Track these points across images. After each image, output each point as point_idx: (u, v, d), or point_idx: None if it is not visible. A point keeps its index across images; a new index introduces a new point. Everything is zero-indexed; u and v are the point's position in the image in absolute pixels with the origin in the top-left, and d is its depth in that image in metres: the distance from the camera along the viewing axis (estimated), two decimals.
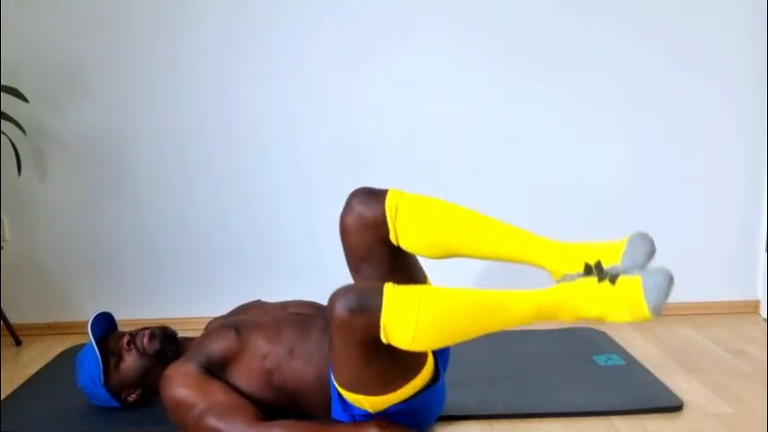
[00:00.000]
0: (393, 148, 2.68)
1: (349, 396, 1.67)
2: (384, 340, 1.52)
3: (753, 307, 2.76)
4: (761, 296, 2.73)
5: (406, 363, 1.63)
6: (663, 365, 2.21)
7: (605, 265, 1.60)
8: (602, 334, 2.48)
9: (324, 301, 1.88)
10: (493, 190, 2.69)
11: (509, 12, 2.60)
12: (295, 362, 1.77)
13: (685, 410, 1.89)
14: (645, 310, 1.52)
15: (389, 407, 1.66)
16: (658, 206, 2.71)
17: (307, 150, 2.69)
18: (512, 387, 2.04)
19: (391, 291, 1.52)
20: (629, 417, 1.85)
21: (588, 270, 1.61)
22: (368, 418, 1.70)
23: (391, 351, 1.56)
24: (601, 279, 1.58)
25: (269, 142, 2.69)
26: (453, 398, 1.94)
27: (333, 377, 1.67)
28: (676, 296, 2.71)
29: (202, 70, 2.64)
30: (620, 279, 1.56)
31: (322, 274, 2.62)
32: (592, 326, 2.59)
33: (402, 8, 2.60)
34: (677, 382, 2.07)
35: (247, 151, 2.69)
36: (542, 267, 1.70)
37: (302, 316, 1.89)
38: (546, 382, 2.07)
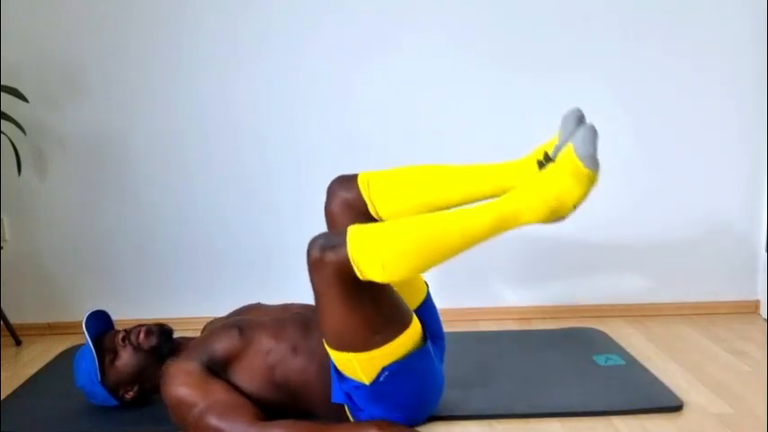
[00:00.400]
0: (393, 148, 2.68)
1: (340, 359, 1.68)
2: (359, 275, 1.57)
3: (753, 307, 2.76)
4: (761, 296, 2.73)
5: (388, 312, 1.68)
6: (663, 365, 2.21)
7: (551, 153, 1.67)
8: (603, 334, 2.48)
9: None
10: None
11: (509, 12, 2.60)
12: (298, 358, 1.79)
13: (685, 410, 1.89)
14: (582, 168, 1.56)
15: (382, 371, 1.67)
16: (658, 206, 2.71)
17: (306, 150, 2.69)
18: (512, 387, 2.04)
19: (354, 227, 1.61)
20: (628, 417, 1.85)
21: (541, 166, 1.66)
22: (364, 390, 1.70)
23: (371, 293, 1.63)
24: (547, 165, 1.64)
25: (269, 142, 2.69)
26: (453, 398, 1.94)
27: (324, 340, 1.70)
28: (676, 296, 2.75)
29: (202, 70, 2.65)
30: (559, 154, 1.61)
31: None
32: (592, 326, 2.60)
33: (402, 8, 2.61)
34: (677, 382, 2.07)
35: (247, 151, 2.69)
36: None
37: (304, 315, 1.90)
38: (546, 382, 2.07)
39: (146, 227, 2.74)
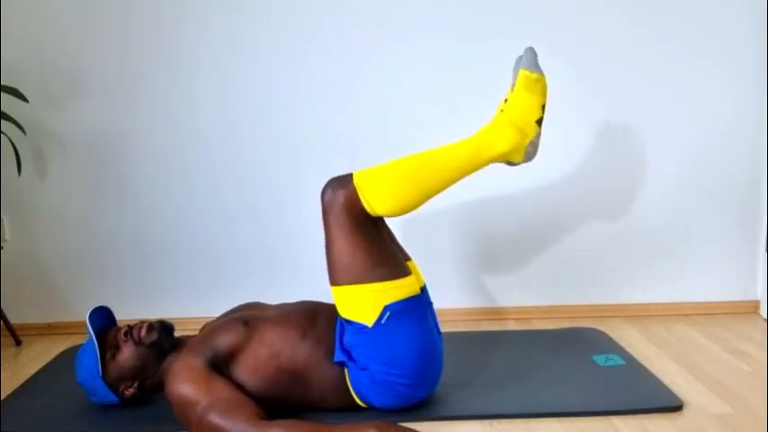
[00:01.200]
0: (393, 149, 2.67)
1: (344, 296, 1.78)
2: (366, 206, 1.77)
3: (753, 307, 2.76)
4: (761, 296, 2.73)
5: (391, 254, 1.83)
6: (663, 365, 2.21)
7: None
8: (603, 334, 2.49)
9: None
10: (495, 191, 2.69)
11: (509, 12, 2.60)
12: (306, 343, 1.84)
13: (685, 410, 1.89)
14: (530, 75, 1.85)
15: (384, 311, 1.75)
16: (658, 206, 2.71)
17: (306, 150, 2.69)
18: (512, 387, 2.04)
19: (358, 171, 1.82)
20: (628, 417, 1.85)
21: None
22: (365, 336, 1.76)
23: (376, 231, 1.81)
24: None
25: (269, 142, 2.69)
26: (453, 398, 1.94)
27: (330, 280, 1.82)
28: (676, 296, 2.76)
29: (202, 70, 2.65)
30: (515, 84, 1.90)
31: (322, 274, 2.61)
32: (592, 326, 2.60)
33: (402, 8, 2.61)
34: (677, 382, 2.07)
35: (247, 151, 2.69)
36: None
37: (308, 306, 1.95)
38: (546, 382, 2.07)
39: (146, 227, 2.74)
